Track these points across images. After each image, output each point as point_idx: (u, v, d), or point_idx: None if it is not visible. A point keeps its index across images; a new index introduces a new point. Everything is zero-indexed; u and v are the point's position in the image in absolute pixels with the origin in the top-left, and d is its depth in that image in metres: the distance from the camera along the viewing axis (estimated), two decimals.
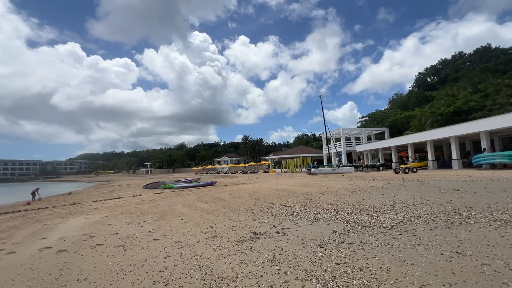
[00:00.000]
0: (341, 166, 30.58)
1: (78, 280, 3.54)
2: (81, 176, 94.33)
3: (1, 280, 3.72)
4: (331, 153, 39.62)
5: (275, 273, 3.28)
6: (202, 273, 3.44)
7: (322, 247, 4.16)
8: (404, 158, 28.13)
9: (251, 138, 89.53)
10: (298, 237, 4.86)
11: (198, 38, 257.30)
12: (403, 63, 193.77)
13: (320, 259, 3.64)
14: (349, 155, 43.68)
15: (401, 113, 45.84)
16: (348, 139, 43.76)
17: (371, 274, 3.06)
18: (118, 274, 3.62)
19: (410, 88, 64.01)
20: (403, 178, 15.77)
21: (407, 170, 20.97)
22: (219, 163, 78.68)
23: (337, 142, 41.37)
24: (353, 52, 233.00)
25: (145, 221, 7.24)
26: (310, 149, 55.82)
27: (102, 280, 3.48)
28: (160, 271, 3.61)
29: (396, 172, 22.04)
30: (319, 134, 74.39)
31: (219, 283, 3.11)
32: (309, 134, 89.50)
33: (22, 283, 3.57)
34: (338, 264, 3.43)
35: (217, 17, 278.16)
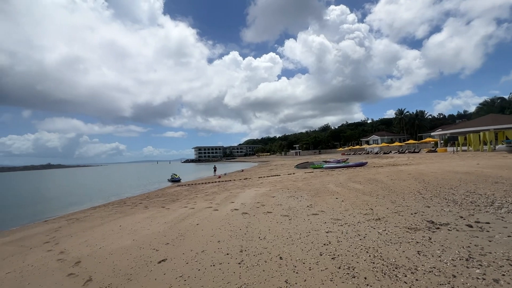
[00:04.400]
0: None
1: (259, 237, 4.37)
2: (247, 158, 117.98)
3: (214, 227, 5.29)
4: None
5: (477, 278, 2.48)
6: (369, 255, 3.21)
7: None
8: None
9: (407, 111, 74.18)
10: (509, 236, 3.45)
11: (335, 12, 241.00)
12: None
13: None
14: None
15: None
16: None
17: None
18: (287, 239, 4.12)
19: None
20: None
21: None
22: (367, 142, 72.02)
23: None
24: None
25: (302, 197, 7.85)
26: (508, 118, 38.55)
27: (276, 241, 4.08)
28: (324, 244, 3.74)
29: None
30: None
31: (394, 270, 2.77)
32: (505, 97, 61.63)
33: (225, 232, 4.88)
34: None
35: None
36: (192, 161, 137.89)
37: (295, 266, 3.13)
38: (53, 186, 31.37)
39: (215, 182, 18.12)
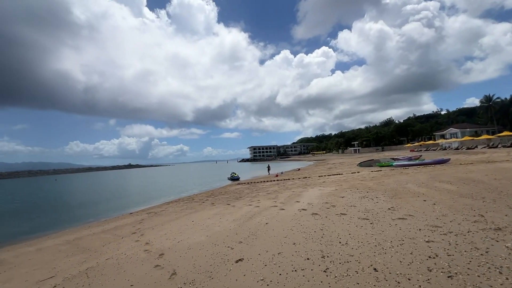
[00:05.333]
0: None
1: (339, 242, 3.90)
2: (302, 156, 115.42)
3: (285, 227, 5.01)
4: None
5: None
6: (507, 279, 2.43)
7: None
8: None
9: (497, 98, 60.81)
10: None
11: None
12: None
13: None
14: None
15: None
16: None
17: None
18: (376, 247, 3.54)
19: None
20: None
21: None
22: (443, 137, 61.96)
23: None
24: None
25: (378, 198, 6.95)
26: None
27: (363, 249, 3.55)
28: (429, 257, 3.05)
29: None
30: None
31: None
32: None
33: (299, 234, 4.55)
34: None
35: None
36: (247, 160, 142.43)
37: (398, 282, 2.58)
38: (134, 183, 36.27)
39: (274, 180, 18.01)
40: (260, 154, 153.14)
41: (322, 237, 4.24)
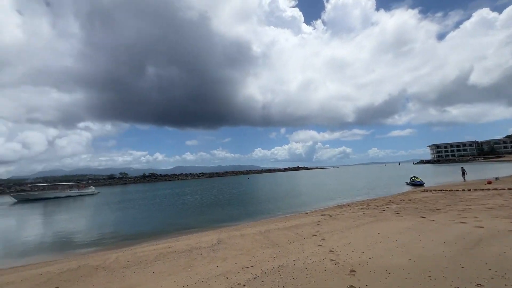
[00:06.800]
0: None
1: None
2: None
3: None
4: None
5: None
6: None
7: None
8: None
9: None
10: None
11: None
12: None
13: None
14: None
15: None
16: None
17: None
18: None
19: None
20: None
21: None
22: None
23: None
24: None
25: None
26: None
27: None
28: None
29: None
30: None
31: None
32: None
33: None
34: None
35: None
36: (427, 162, 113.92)
37: None
38: (303, 184, 39.28)
39: (487, 189, 12.56)
40: (447, 154, 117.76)
41: None
